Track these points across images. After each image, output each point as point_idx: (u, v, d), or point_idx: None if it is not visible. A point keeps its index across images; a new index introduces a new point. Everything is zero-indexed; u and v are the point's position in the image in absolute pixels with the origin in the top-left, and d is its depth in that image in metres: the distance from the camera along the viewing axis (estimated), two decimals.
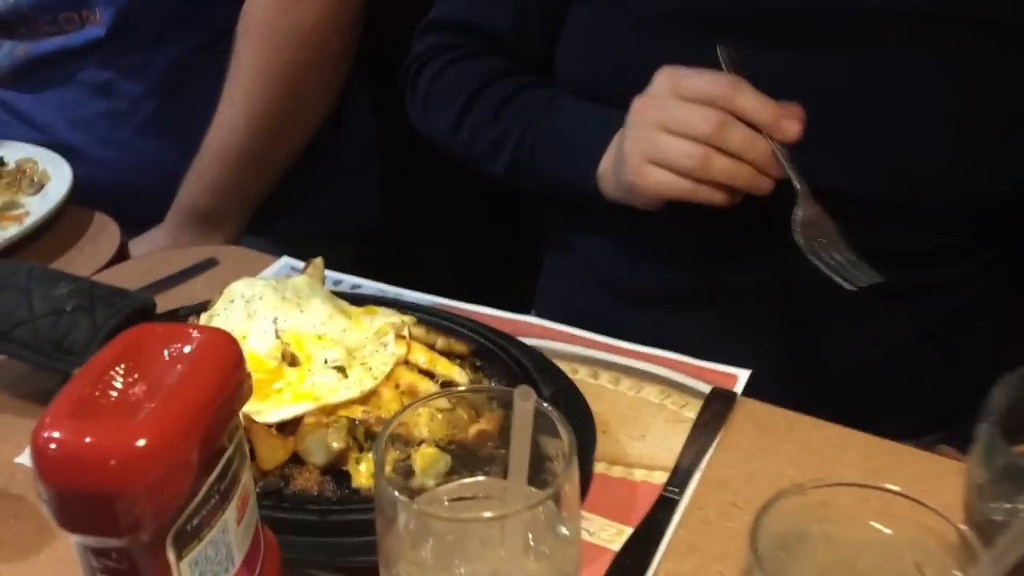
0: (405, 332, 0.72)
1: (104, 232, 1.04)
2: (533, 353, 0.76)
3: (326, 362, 0.68)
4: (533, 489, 0.45)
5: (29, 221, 1.01)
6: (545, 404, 0.44)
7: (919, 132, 0.80)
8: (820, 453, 0.69)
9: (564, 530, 0.45)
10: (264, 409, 0.64)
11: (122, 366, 0.45)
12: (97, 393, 0.44)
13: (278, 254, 0.96)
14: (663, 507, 0.64)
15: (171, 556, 0.43)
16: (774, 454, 0.69)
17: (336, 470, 0.63)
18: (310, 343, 0.69)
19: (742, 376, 0.77)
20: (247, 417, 0.63)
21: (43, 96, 1.25)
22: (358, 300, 0.78)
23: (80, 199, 1.08)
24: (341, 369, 0.67)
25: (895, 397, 0.92)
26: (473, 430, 0.58)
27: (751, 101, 0.74)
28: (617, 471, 0.68)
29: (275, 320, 0.70)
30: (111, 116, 1.24)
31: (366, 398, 0.67)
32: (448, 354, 0.73)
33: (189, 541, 0.44)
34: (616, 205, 0.86)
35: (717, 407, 0.74)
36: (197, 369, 0.46)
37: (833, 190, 0.80)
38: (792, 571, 0.42)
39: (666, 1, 0.84)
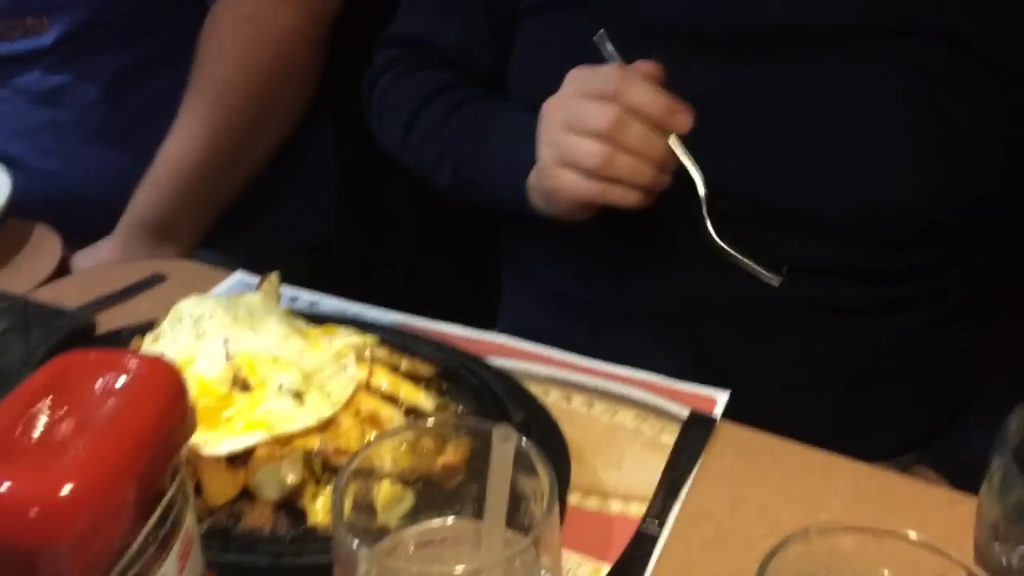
0: (367, 353, 0.67)
1: (44, 245, 0.98)
2: (502, 376, 0.72)
3: (281, 387, 0.63)
4: (510, 534, 0.41)
5: None
6: (524, 441, 0.40)
7: (877, 150, 0.78)
8: (805, 481, 0.66)
9: None
10: (212, 439, 0.59)
11: (48, 400, 0.40)
12: (18, 431, 0.39)
13: (231, 268, 0.91)
14: (641, 543, 0.61)
15: None
16: (757, 482, 0.66)
17: (290, 506, 0.59)
18: (264, 366, 0.65)
19: (721, 399, 0.74)
20: (193, 449, 0.58)
21: None
22: (316, 319, 0.74)
23: (21, 211, 1.02)
24: (297, 395, 0.63)
25: (870, 416, 0.90)
26: (439, 462, 0.54)
27: (640, 95, 0.74)
28: (592, 502, 0.64)
29: (226, 341, 0.66)
30: (55, 126, 1.19)
31: (324, 426, 0.62)
32: (412, 377, 0.69)
33: None
34: (571, 223, 0.84)
35: (696, 432, 0.70)
36: (133, 402, 0.41)
37: (792, 210, 0.79)
38: None
39: (618, 16, 0.83)
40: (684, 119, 0.74)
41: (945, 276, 0.86)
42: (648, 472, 0.67)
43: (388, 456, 0.53)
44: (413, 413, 0.65)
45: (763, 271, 0.76)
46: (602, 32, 0.78)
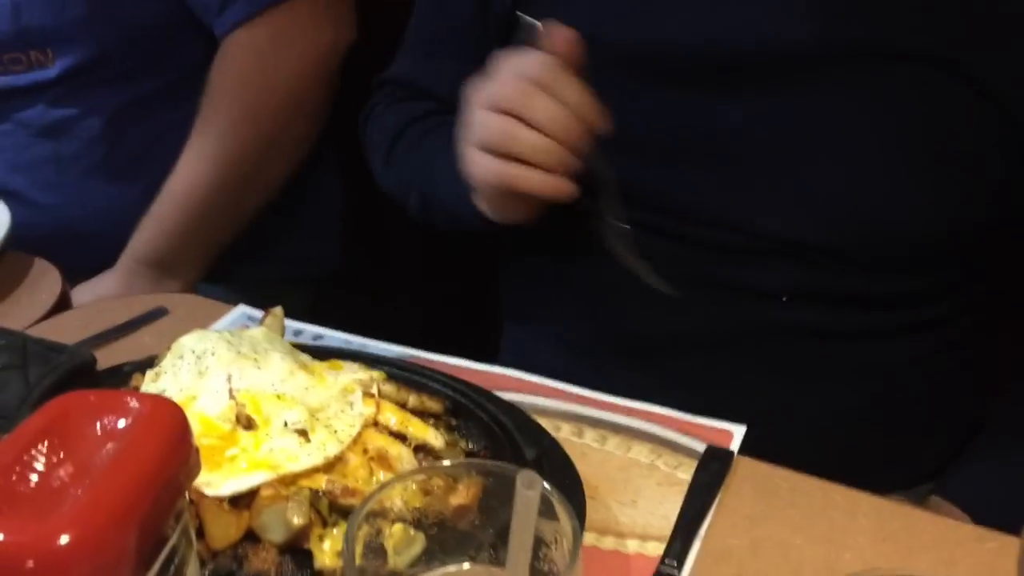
0: (374, 389, 0.66)
1: (44, 280, 0.96)
2: (513, 410, 0.70)
3: (286, 425, 0.61)
4: None
5: None
6: (547, 486, 0.38)
7: (868, 176, 0.78)
8: (828, 518, 0.64)
9: None
10: (215, 480, 0.57)
11: (45, 443, 0.38)
12: (14, 477, 0.37)
13: (234, 301, 0.90)
14: None
15: None
16: (779, 520, 0.64)
17: (296, 548, 0.56)
18: (268, 404, 0.63)
19: (737, 433, 0.72)
20: (195, 490, 0.56)
21: None
22: (321, 353, 0.72)
23: (20, 245, 1.01)
24: (303, 433, 0.61)
25: (881, 447, 0.89)
26: (452, 503, 0.52)
27: (557, 78, 0.73)
28: (608, 542, 0.62)
29: (229, 378, 0.64)
30: (57, 159, 1.18)
31: (331, 465, 0.60)
32: (421, 413, 0.67)
33: None
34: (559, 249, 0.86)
35: (713, 467, 0.68)
36: (135, 445, 0.39)
37: (787, 238, 0.79)
38: None
39: (604, 54, 0.82)
40: (599, 116, 0.73)
41: (949, 302, 0.85)
42: (665, 510, 0.65)
43: (399, 498, 0.51)
44: (422, 451, 0.64)
45: (656, 280, 0.75)
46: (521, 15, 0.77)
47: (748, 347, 0.84)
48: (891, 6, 0.75)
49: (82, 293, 1.08)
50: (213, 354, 0.65)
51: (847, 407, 0.86)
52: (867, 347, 0.84)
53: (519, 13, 0.77)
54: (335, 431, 0.62)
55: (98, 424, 0.40)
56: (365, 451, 0.62)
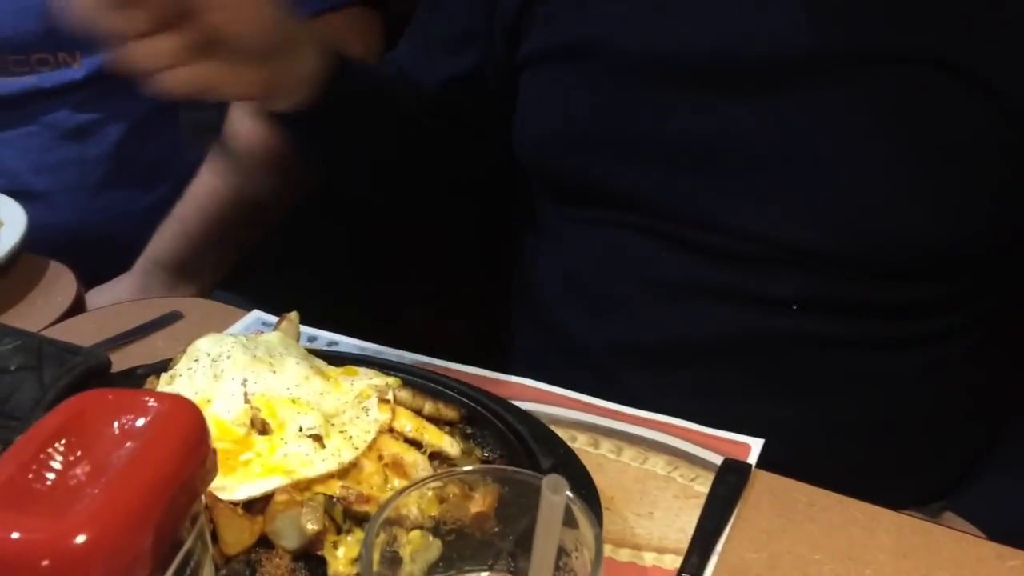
0: (389, 396, 0.65)
1: (59, 282, 0.96)
2: (529, 419, 0.69)
3: (301, 430, 0.61)
4: None
5: None
6: (569, 494, 0.37)
7: (874, 180, 0.77)
8: (847, 534, 0.63)
9: None
10: (230, 485, 0.57)
11: (62, 442, 0.38)
12: (30, 476, 0.37)
13: (247, 308, 0.89)
14: None
15: None
16: (797, 535, 0.63)
17: (310, 555, 0.56)
18: (283, 408, 0.62)
19: (755, 446, 0.71)
20: (209, 494, 0.55)
21: (6, 138, 1.18)
22: (336, 359, 0.71)
23: (37, 247, 1.01)
24: (318, 438, 0.60)
25: (895, 461, 0.87)
26: (470, 511, 0.51)
27: None
28: (624, 554, 0.62)
29: (244, 382, 0.63)
30: (80, 162, 1.18)
31: (345, 471, 0.59)
32: (436, 420, 0.66)
33: None
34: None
35: (731, 481, 0.67)
36: (152, 446, 0.39)
37: (794, 245, 0.78)
38: None
39: (612, 61, 0.83)
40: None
41: (961, 312, 0.84)
42: (682, 522, 0.64)
43: (416, 505, 0.50)
44: (438, 458, 0.63)
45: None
46: None
47: (759, 357, 0.83)
48: (897, 10, 0.75)
49: (98, 296, 1.08)
50: (228, 358, 0.65)
51: (858, 419, 0.85)
52: (877, 358, 0.83)
53: None
54: (350, 437, 0.61)
55: (115, 423, 0.39)
56: (380, 457, 0.61)
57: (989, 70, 0.74)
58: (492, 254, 1.01)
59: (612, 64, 0.84)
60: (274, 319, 0.80)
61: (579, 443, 0.71)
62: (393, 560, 0.47)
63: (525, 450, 0.65)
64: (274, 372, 0.65)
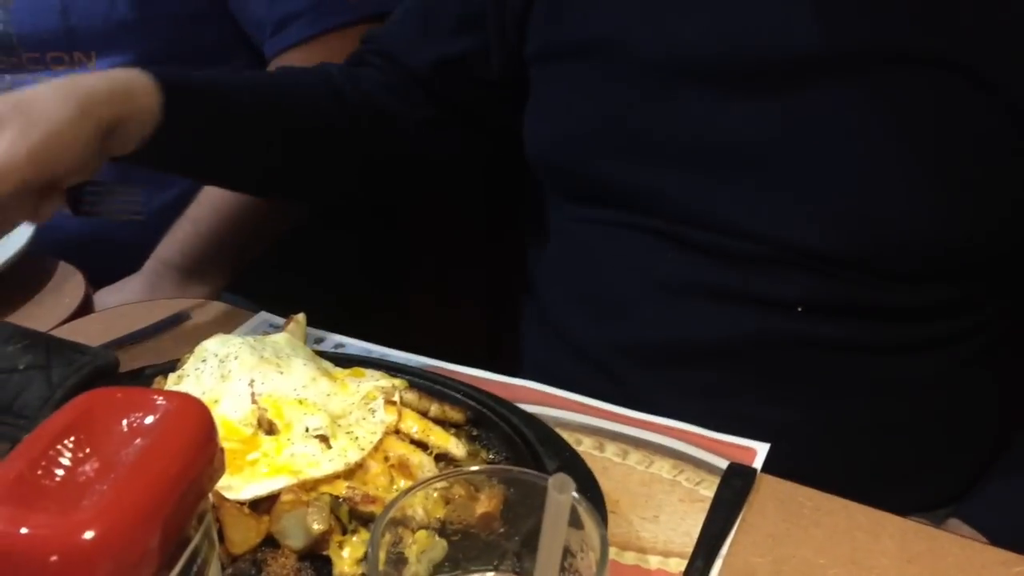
0: (396, 397, 0.65)
1: (67, 283, 0.97)
2: (534, 422, 0.69)
3: (307, 430, 0.61)
4: None
5: None
6: (576, 495, 0.37)
7: (883, 182, 0.77)
8: (852, 539, 0.63)
9: None
10: (236, 484, 0.57)
11: (71, 439, 0.38)
12: (39, 472, 0.37)
13: (255, 310, 0.90)
14: None
15: None
16: (802, 539, 0.63)
17: (316, 555, 0.56)
18: (290, 409, 0.63)
19: (761, 450, 0.71)
20: (216, 493, 0.56)
21: None
22: (343, 361, 0.72)
23: (46, 248, 1.01)
24: (324, 439, 0.61)
25: (901, 466, 0.87)
26: (476, 512, 0.51)
27: None
28: (629, 557, 0.62)
29: (251, 382, 0.64)
30: None
31: (351, 472, 0.60)
32: (442, 422, 0.66)
33: None
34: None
35: (736, 484, 0.67)
36: (160, 443, 0.39)
37: (801, 246, 0.78)
38: None
39: (622, 60, 0.83)
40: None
41: (968, 316, 0.83)
42: (687, 526, 0.64)
43: (420, 505, 0.51)
44: (443, 460, 0.63)
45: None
46: None
47: (764, 359, 0.83)
48: (905, 10, 0.75)
49: (107, 296, 1.08)
50: (236, 358, 0.65)
51: (864, 423, 0.85)
52: (883, 362, 0.83)
53: None
54: (356, 438, 0.61)
55: (124, 421, 0.39)
56: (386, 459, 0.61)
57: (996, 71, 0.74)
58: (499, 256, 1.01)
59: (621, 63, 0.84)
60: (281, 321, 0.80)
61: (585, 446, 0.71)
62: (399, 560, 0.47)
63: (531, 452, 0.65)
64: (281, 373, 0.65)
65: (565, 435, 0.70)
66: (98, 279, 1.05)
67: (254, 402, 0.62)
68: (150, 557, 0.36)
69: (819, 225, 0.78)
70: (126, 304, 1.00)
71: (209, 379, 0.65)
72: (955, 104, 0.75)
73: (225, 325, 0.85)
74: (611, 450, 0.71)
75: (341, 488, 0.59)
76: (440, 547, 0.50)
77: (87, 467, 0.37)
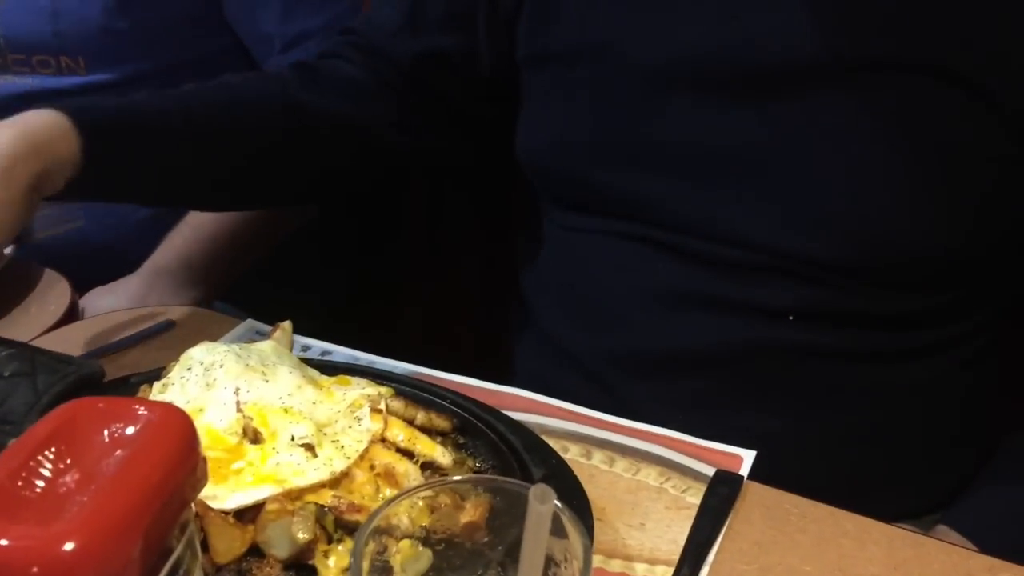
0: (382, 405, 0.65)
1: (53, 290, 0.96)
2: (521, 429, 0.69)
3: (293, 439, 0.61)
4: None
5: None
6: (558, 503, 0.37)
7: (875, 188, 0.77)
8: (838, 546, 0.63)
9: None
10: (221, 493, 0.57)
11: (52, 449, 0.38)
12: (20, 483, 0.37)
13: (241, 317, 0.89)
14: None
15: None
16: (788, 547, 0.63)
17: (301, 565, 0.56)
18: (275, 417, 0.62)
19: (747, 458, 0.71)
20: (200, 503, 0.55)
21: None
22: (329, 368, 0.71)
23: (31, 254, 1.01)
24: (310, 447, 0.60)
25: (889, 473, 0.87)
26: (461, 520, 0.51)
27: None
28: (616, 565, 0.62)
29: (237, 391, 0.63)
30: None
31: (337, 481, 0.60)
32: (428, 430, 0.66)
33: None
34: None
35: (722, 492, 0.67)
36: (142, 453, 0.39)
37: (793, 253, 0.78)
38: None
39: (614, 64, 0.83)
40: None
41: (958, 324, 0.84)
42: (673, 533, 0.64)
43: (405, 514, 0.50)
44: (429, 468, 0.63)
45: None
46: None
47: (755, 367, 0.83)
48: (899, 19, 0.75)
49: (98, 297, 1.07)
50: (221, 366, 0.65)
51: (855, 431, 0.85)
52: (875, 369, 0.83)
53: None
54: (342, 446, 0.61)
55: (106, 431, 0.39)
56: (372, 467, 0.61)
57: (989, 80, 0.74)
58: (490, 264, 1.01)
59: (615, 69, 0.83)
60: (268, 328, 0.80)
61: (571, 454, 0.71)
62: (384, 569, 0.47)
63: (517, 460, 0.65)
64: (267, 381, 0.65)
65: (552, 442, 0.70)
66: (84, 286, 1.04)
67: (239, 410, 0.62)
68: (131, 568, 0.36)
69: (813, 233, 0.78)
70: (112, 312, 0.99)
71: (194, 387, 0.64)
72: (947, 112, 0.75)
73: (212, 333, 0.84)
74: (598, 457, 0.71)
75: (326, 497, 0.59)
76: (426, 557, 0.50)
77: (68, 478, 0.37)
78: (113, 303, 1.05)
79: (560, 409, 0.77)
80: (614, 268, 0.88)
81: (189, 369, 0.66)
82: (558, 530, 0.39)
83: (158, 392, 0.66)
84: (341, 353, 0.84)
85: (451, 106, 0.97)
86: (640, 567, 0.61)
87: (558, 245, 0.94)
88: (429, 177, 1.28)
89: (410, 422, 0.66)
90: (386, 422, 0.64)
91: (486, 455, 0.66)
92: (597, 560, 0.62)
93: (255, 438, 0.61)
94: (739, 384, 0.84)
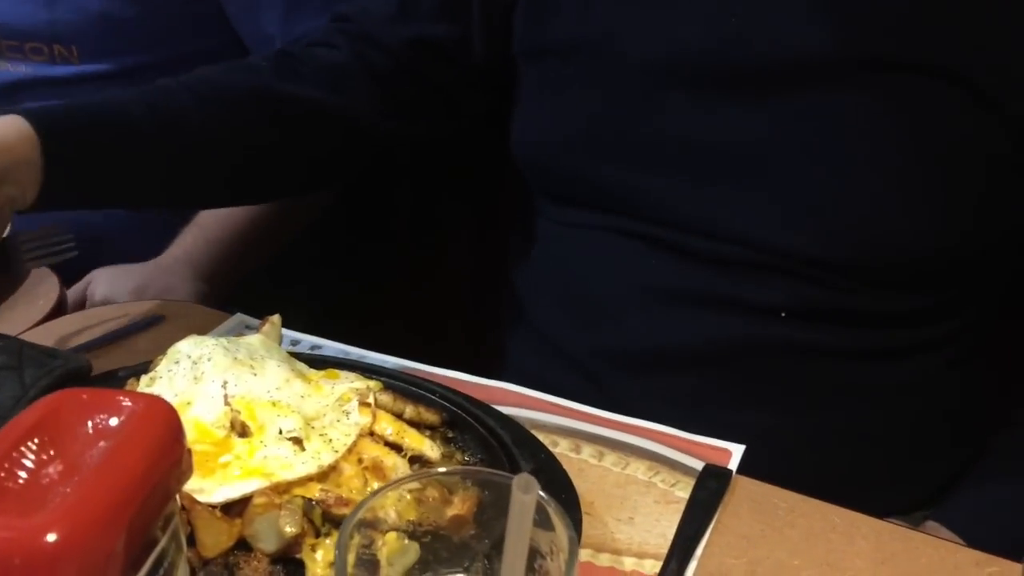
0: (370, 399, 0.65)
1: (42, 284, 0.96)
2: (510, 423, 0.69)
3: (281, 432, 0.61)
4: None
5: None
6: (544, 495, 0.37)
7: (869, 187, 0.77)
8: (826, 540, 0.63)
9: None
10: (208, 487, 0.57)
11: (35, 441, 0.38)
12: (2, 474, 0.36)
13: (230, 311, 0.89)
14: None
15: None
16: (776, 541, 0.63)
17: (289, 558, 0.56)
18: (263, 411, 0.62)
19: (736, 452, 0.71)
20: (188, 496, 0.55)
21: None
22: (318, 363, 0.71)
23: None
24: (297, 441, 0.60)
25: (878, 470, 0.88)
26: (448, 514, 0.51)
27: None
28: (604, 559, 0.61)
29: (225, 384, 0.63)
30: None
31: (325, 474, 0.59)
32: (417, 424, 0.66)
33: None
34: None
35: (711, 486, 0.67)
36: (126, 445, 0.38)
37: (786, 251, 0.78)
38: None
39: (611, 60, 0.82)
40: None
41: (949, 323, 0.84)
42: (662, 527, 0.64)
43: (392, 508, 0.50)
44: (418, 462, 0.63)
45: None
46: None
47: (747, 364, 0.83)
48: (899, 19, 0.75)
49: (103, 274, 1.05)
50: (209, 360, 0.65)
51: (845, 428, 0.85)
52: (863, 367, 0.83)
53: None
54: (330, 440, 0.61)
55: (89, 423, 0.39)
56: (360, 461, 0.61)
57: (989, 81, 0.74)
58: (481, 258, 1.01)
59: (612, 64, 0.83)
60: (257, 322, 0.80)
61: (560, 448, 0.71)
62: (370, 563, 0.47)
63: (506, 454, 0.65)
64: (255, 374, 0.65)
65: (541, 437, 0.70)
66: (73, 281, 1.04)
67: (227, 404, 0.62)
68: (115, 560, 0.36)
69: (805, 230, 0.78)
70: (100, 307, 0.99)
71: (182, 381, 0.64)
72: (945, 112, 0.75)
73: (201, 327, 0.84)
74: (587, 452, 0.71)
75: (314, 491, 0.58)
76: (413, 550, 0.49)
77: (51, 469, 0.37)
78: (112, 287, 1.04)
79: (550, 404, 0.77)
80: (607, 264, 0.88)
81: (177, 363, 0.66)
82: (544, 523, 0.39)
83: (146, 385, 0.66)
84: (331, 348, 0.83)
85: (442, 94, 0.96)
86: (629, 561, 0.61)
87: (551, 240, 0.94)
88: (422, 171, 1.28)
89: (399, 416, 0.66)
90: (374, 416, 0.64)
91: (475, 449, 0.66)
92: (586, 554, 0.62)
93: (243, 431, 0.61)
94: (728, 381, 0.84)
